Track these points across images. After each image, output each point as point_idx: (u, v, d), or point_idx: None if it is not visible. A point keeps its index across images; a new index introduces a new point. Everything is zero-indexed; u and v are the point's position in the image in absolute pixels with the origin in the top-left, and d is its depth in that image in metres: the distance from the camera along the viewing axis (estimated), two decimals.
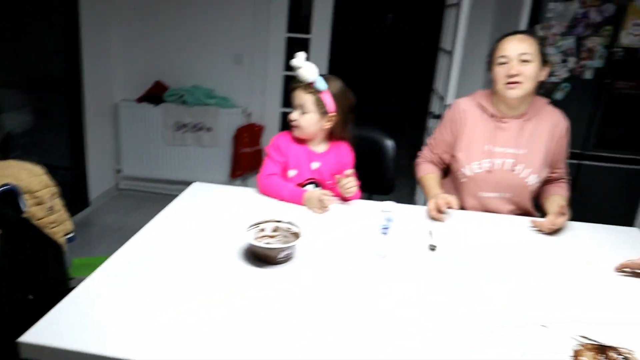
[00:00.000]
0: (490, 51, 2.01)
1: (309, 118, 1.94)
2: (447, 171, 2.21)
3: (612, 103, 3.14)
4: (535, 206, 2.12)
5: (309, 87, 1.91)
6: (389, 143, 2.35)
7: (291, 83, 1.96)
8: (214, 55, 4.10)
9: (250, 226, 1.52)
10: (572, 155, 3.18)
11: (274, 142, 2.00)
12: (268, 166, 1.99)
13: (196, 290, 1.31)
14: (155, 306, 1.23)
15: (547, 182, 2.10)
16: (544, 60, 1.94)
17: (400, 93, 6.86)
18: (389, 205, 1.54)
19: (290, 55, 4.12)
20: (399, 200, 2.02)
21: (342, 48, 6.51)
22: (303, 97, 1.93)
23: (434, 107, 3.60)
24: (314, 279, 1.42)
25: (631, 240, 1.82)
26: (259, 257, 1.47)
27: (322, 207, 1.85)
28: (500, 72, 1.92)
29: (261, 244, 1.48)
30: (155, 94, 4.07)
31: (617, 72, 3.09)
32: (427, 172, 2.13)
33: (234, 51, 4.07)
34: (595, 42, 3.03)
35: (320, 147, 2.03)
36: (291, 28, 4.04)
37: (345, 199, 1.95)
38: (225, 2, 3.97)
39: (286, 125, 2.06)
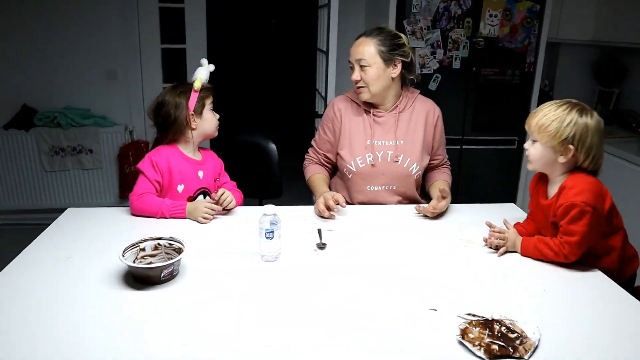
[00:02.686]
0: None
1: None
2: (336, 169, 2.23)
3: (480, 89, 3.35)
4: (423, 194, 2.20)
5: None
6: (272, 146, 2.34)
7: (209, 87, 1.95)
8: (86, 72, 3.86)
9: (128, 247, 1.44)
10: (453, 141, 3.36)
11: (149, 159, 1.88)
12: (141, 185, 1.87)
13: (72, 323, 1.21)
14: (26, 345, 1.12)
15: (430, 169, 2.19)
16: (389, 59, 1.99)
17: (289, 96, 6.88)
18: (270, 209, 1.52)
19: (166, 66, 4.02)
20: (295, 202, 2.03)
21: (227, 56, 6.47)
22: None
23: (318, 107, 3.64)
24: (201, 292, 1.37)
25: (508, 215, 1.93)
26: (140, 279, 1.39)
27: (207, 217, 1.82)
28: (352, 76, 2.03)
29: (141, 264, 1.40)
30: (23, 119, 3.76)
31: (480, 60, 3.30)
32: (314, 172, 2.15)
33: (107, 67, 3.87)
34: (459, 34, 3.22)
35: (198, 155, 2.00)
36: (165, 39, 3.91)
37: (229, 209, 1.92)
38: (92, 17, 3.76)
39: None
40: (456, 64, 3.28)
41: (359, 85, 2.01)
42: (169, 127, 1.90)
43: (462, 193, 3.40)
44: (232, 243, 1.67)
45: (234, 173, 2.12)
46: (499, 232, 1.67)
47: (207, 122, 1.94)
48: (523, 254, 1.63)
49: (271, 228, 1.51)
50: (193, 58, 3.94)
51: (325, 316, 1.28)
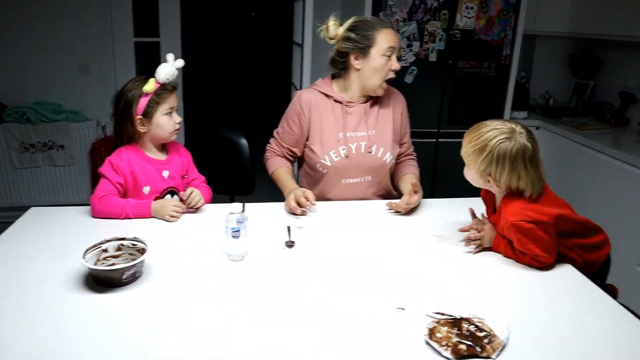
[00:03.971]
0: (367, 35, 1.92)
1: None
2: (300, 163, 2.20)
3: (456, 82, 3.34)
4: (393, 187, 2.18)
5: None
6: (243, 142, 2.29)
7: (167, 87, 1.82)
8: (58, 67, 3.77)
9: (89, 248, 1.39)
10: (430, 134, 3.36)
11: (110, 162, 1.80)
12: (103, 187, 1.79)
13: (29, 328, 1.16)
14: None
15: (397, 160, 2.16)
16: None
17: (266, 90, 6.81)
18: (237, 207, 1.48)
19: (140, 60, 3.94)
20: (268, 198, 1.98)
21: (202, 49, 6.37)
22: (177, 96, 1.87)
23: None
24: (165, 294, 1.33)
25: (481, 210, 1.91)
26: (101, 281, 1.35)
27: (174, 214, 1.77)
28: (385, 64, 1.94)
29: (103, 266, 1.36)
30: None
31: (457, 53, 3.28)
32: (278, 166, 2.10)
33: (79, 61, 3.78)
34: (435, 26, 3.20)
35: (163, 154, 1.93)
36: (138, 32, 3.84)
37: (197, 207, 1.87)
38: (64, 10, 3.67)
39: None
40: (432, 57, 3.26)
41: (394, 77, 1.97)
42: (118, 126, 1.83)
43: (439, 186, 3.40)
44: (199, 242, 1.63)
45: (205, 168, 2.07)
46: (476, 225, 1.65)
47: (159, 128, 1.82)
48: (494, 249, 1.62)
49: (237, 227, 1.47)
50: (167, 52, 3.84)
51: (289, 315, 1.25)
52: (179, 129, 1.87)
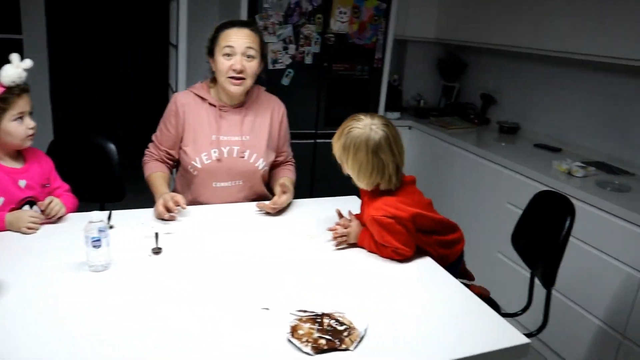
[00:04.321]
0: (213, 37, 1.99)
1: None
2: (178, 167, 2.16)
3: (332, 84, 3.44)
4: (268, 191, 2.20)
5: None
6: (111, 147, 2.21)
7: (14, 90, 1.67)
8: None
9: None
10: (307, 135, 3.42)
11: None
12: None
13: None
14: None
15: (274, 166, 2.20)
16: (263, 56, 2.02)
17: (142, 92, 6.54)
18: (97, 215, 1.42)
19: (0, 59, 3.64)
20: (141, 204, 1.92)
21: (71, 50, 5.98)
22: (29, 99, 1.74)
23: None
24: (20, 312, 1.24)
25: (350, 207, 1.99)
26: None
27: (32, 226, 1.67)
28: (225, 63, 1.93)
29: None
30: None
31: (332, 56, 3.38)
32: (153, 170, 2.05)
33: None
34: (310, 30, 3.27)
35: (19, 162, 1.80)
36: None
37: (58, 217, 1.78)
38: None
39: None
40: (308, 59, 3.33)
41: (240, 76, 1.93)
42: None
43: (317, 187, 3.48)
44: (58, 254, 1.53)
45: (71, 176, 1.95)
46: (344, 223, 1.72)
47: (9, 136, 1.69)
48: (359, 244, 1.69)
49: (98, 236, 1.41)
50: (31, 50, 3.62)
51: (153, 322, 1.22)
52: (33, 135, 1.75)
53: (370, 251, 1.66)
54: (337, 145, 1.63)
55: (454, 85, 4.20)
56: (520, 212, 2.06)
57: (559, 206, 1.83)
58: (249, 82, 1.97)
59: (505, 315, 1.55)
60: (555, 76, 3.30)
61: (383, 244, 1.61)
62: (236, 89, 1.96)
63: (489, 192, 3.04)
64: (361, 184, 1.65)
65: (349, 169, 1.63)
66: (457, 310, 1.38)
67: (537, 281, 1.90)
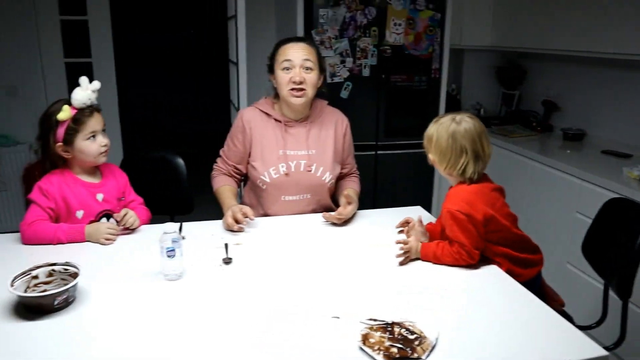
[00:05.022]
0: (272, 54, 2.07)
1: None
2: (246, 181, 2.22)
3: (390, 95, 3.44)
4: (334, 203, 2.22)
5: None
6: (180, 162, 2.29)
7: (85, 111, 1.76)
8: None
9: (18, 276, 1.36)
10: (368, 147, 3.43)
11: (40, 187, 1.77)
12: (33, 212, 1.75)
13: None
14: None
15: (339, 178, 2.22)
16: (322, 69, 2.06)
17: (205, 109, 6.76)
18: (171, 227, 1.48)
19: (72, 81, 3.85)
20: (208, 217, 1.98)
21: (137, 69, 6.27)
22: (101, 118, 1.84)
23: (233, 118, 3.62)
24: (101, 317, 1.32)
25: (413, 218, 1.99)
26: (33, 309, 1.32)
27: (109, 237, 1.75)
28: (284, 77, 1.98)
29: (34, 293, 1.33)
30: None
31: (389, 68, 3.39)
32: (221, 184, 2.11)
33: (6, 83, 3.66)
34: (366, 42, 3.29)
35: (96, 176, 1.90)
36: (69, 52, 3.76)
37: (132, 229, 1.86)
38: None
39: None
40: (366, 72, 3.35)
41: (300, 87, 1.97)
42: (43, 150, 1.79)
43: (380, 198, 3.48)
44: (135, 263, 1.61)
45: (143, 190, 2.05)
46: (403, 243, 1.71)
47: (83, 154, 1.78)
48: (423, 259, 1.68)
49: (172, 246, 1.47)
50: (100, 72, 3.82)
51: (228, 331, 1.26)
52: (106, 152, 1.83)
53: (436, 263, 1.65)
54: (425, 135, 1.71)
55: (514, 93, 4.11)
56: (590, 221, 1.99)
57: (632, 213, 1.76)
58: (309, 92, 2.01)
59: (579, 328, 1.50)
60: (621, 80, 3.18)
61: (451, 239, 1.61)
62: (297, 101, 2.00)
63: (556, 201, 2.95)
64: (440, 169, 1.69)
65: (432, 154, 1.69)
66: (530, 322, 1.34)
67: (611, 293, 1.82)
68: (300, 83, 1.97)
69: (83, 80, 1.76)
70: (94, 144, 1.79)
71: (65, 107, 1.72)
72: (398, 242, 1.70)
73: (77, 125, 1.75)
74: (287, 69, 1.98)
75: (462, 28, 3.85)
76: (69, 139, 1.75)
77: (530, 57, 3.94)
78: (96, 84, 1.78)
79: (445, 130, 1.63)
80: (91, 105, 1.78)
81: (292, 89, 1.98)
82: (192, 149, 5.92)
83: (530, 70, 4.01)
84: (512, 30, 3.71)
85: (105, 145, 1.82)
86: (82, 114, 1.76)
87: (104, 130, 1.84)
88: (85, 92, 1.75)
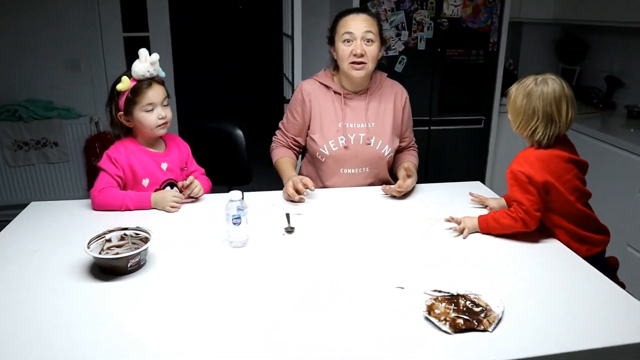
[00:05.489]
0: (332, 26, 2.05)
1: (169, 109, 1.89)
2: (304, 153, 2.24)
3: (445, 70, 3.38)
4: (391, 176, 2.22)
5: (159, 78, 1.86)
6: (239, 133, 2.33)
7: (143, 84, 1.81)
8: (47, 63, 3.76)
9: (93, 238, 1.43)
10: (421, 122, 3.39)
11: (108, 155, 1.83)
12: (102, 180, 1.82)
13: (41, 315, 1.20)
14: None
15: (397, 151, 2.21)
16: (383, 40, 2.04)
17: (257, 81, 6.83)
18: (236, 194, 1.52)
19: (130, 55, 3.94)
20: (265, 188, 2.02)
21: (193, 42, 6.36)
22: (162, 90, 1.87)
23: (285, 92, 3.63)
24: (171, 280, 1.37)
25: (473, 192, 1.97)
26: (107, 270, 1.38)
27: (175, 205, 1.81)
28: (345, 50, 1.97)
29: (108, 255, 1.40)
30: None
31: (445, 41, 3.32)
32: (281, 155, 2.14)
33: (69, 57, 3.78)
34: (422, 15, 3.23)
35: (161, 146, 1.96)
36: (127, 27, 3.84)
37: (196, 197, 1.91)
38: (50, 6, 3.66)
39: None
40: (421, 45, 3.30)
41: (361, 60, 1.96)
42: (111, 120, 1.87)
43: (432, 173, 3.45)
44: (200, 230, 1.66)
45: (202, 160, 2.10)
46: (456, 222, 1.69)
47: (141, 124, 1.84)
48: (484, 232, 1.67)
49: (238, 214, 1.51)
50: (157, 46, 3.89)
51: (294, 298, 1.29)
52: (164, 124, 1.86)
53: (496, 233, 1.64)
54: (507, 93, 1.70)
55: (575, 68, 3.96)
56: None
57: None
58: (370, 66, 1.99)
59: None
60: None
61: (512, 199, 1.61)
62: (358, 74, 1.99)
63: (618, 180, 2.85)
64: (513, 128, 1.68)
65: (509, 112, 1.68)
66: (598, 299, 1.32)
67: None
68: (362, 56, 1.96)
69: (142, 52, 1.80)
70: (151, 115, 1.83)
71: (124, 78, 1.78)
72: (448, 221, 1.70)
73: (135, 96, 1.81)
74: (348, 41, 1.97)
75: (522, 0, 3.72)
76: (128, 109, 1.82)
77: (593, 30, 3.78)
78: (155, 57, 1.81)
79: (523, 90, 1.61)
80: (151, 77, 1.83)
81: (353, 62, 1.97)
82: (243, 121, 6.04)
83: (592, 44, 3.85)
84: (575, 2, 3.56)
85: (162, 118, 1.85)
86: (140, 85, 1.81)
87: (165, 104, 1.87)
88: (143, 64, 1.79)
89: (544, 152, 1.62)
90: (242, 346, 1.11)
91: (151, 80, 1.83)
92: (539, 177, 1.57)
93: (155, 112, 1.84)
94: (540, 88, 1.59)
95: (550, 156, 1.62)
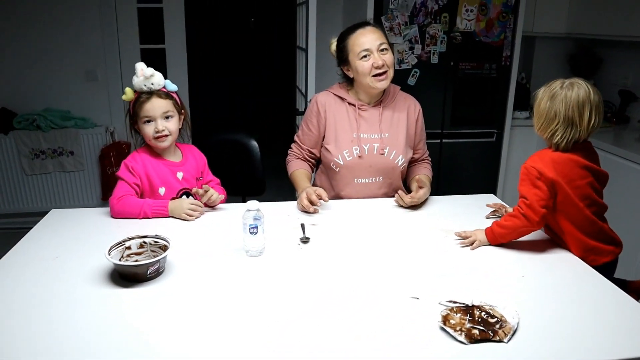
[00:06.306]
0: (341, 47, 2.07)
1: (175, 122, 1.90)
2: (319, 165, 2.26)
3: (458, 83, 3.41)
4: (405, 188, 2.24)
5: (162, 91, 1.87)
6: (254, 144, 2.36)
7: (141, 97, 1.84)
8: (65, 74, 3.83)
9: (114, 246, 1.45)
10: (434, 135, 3.41)
11: (126, 164, 1.87)
12: (121, 188, 1.86)
13: (62, 321, 1.22)
14: (19, 341, 1.13)
15: (410, 163, 2.23)
16: (393, 50, 2.07)
17: (270, 94, 6.90)
18: (254, 204, 1.54)
19: (147, 66, 4.00)
20: (278, 199, 2.04)
21: (208, 55, 6.46)
22: (163, 103, 1.86)
23: (299, 104, 3.67)
24: (189, 288, 1.39)
25: (486, 206, 1.98)
26: (127, 277, 1.41)
27: (192, 213, 1.84)
28: (365, 65, 1.99)
29: (128, 262, 1.42)
30: (2, 122, 3.73)
31: (458, 55, 3.35)
32: (296, 168, 2.16)
33: (86, 68, 3.85)
34: (436, 29, 3.26)
35: (177, 156, 1.99)
36: (144, 39, 3.91)
37: (213, 206, 1.94)
38: (70, 17, 3.73)
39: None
40: (434, 59, 3.32)
41: (382, 70, 1.99)
42: (130, 129, 1.94)
43: (444, 186, 3.46)
44: (217, 239, 1.69)
45: (216, 171, 2.13)
46: (464, 237, 1.71)
47: (144, 135, 1.89)
48: (492, 242, 1.68)
49: (255, 223, 1.53)
50: (173, 58, 3.95)
51: (309, 307, 1.30)
52: (161, 137, 1.87)
53: (508, 241, 1.66)
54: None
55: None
56: None
57: None
58: (391, 72, 2.03)
59: None
60: None
61: (520, 195, 1.64)
62: (384, 84, 2.03)
63: (630, 194, 2.85)
64: (535, 128, 1.69)
65: (534, 113, 1.69)
66: (610, 310, 1.32)
67: None
68: (382, 66, 1.99)
69: (137, 66, 1.82)
70: (149, 127, 1.85)
71: (128, 89, 1.84)
72: (457, 235, 1.71)
73: (135, 108, 1.86)
74: (366, 56, 2.00)
75: (535, 14, 3.74)
76: (133, 120, 1.88)
77: (606, 44, 3.79)
78: (149, 71, 1.82)
79: (548, 93, 1.63)
80: (150, 91, 1.84)
81: (376, 75, 2.00)
82: (256, 133, 6.09)
83: (605, 59, 3.86)
84: (588, 17, 3.58)
85: (159, 132, 1.85)
86: (139, 98, 1.85)
87: (168, 117, 1.87)
88: (139, 78, 1.82)
89: (560, 155, 1.62)
90: (256, 354, 1.12)
91: (149, 94, 1.85)
92: (552, 174, 1.59)
93: (153, 125, 1.86)
94: (564, 92, 1.60)
95: (566, 159, 1.62)
